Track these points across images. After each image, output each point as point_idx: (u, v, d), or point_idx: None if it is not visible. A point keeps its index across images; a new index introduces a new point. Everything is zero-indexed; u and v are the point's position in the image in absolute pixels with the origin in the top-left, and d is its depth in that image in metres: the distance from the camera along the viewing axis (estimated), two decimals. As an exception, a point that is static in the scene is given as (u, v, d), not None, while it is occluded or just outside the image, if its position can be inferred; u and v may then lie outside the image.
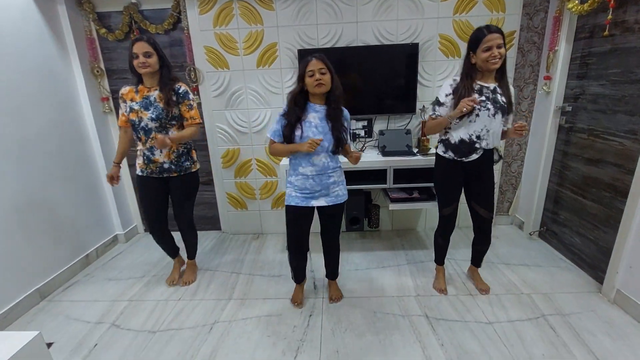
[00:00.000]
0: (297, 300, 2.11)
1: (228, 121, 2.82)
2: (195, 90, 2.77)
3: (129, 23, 2.63)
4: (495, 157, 1.95)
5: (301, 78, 1.72)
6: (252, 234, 3.15)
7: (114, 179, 2.12)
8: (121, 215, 3.02)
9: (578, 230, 2.37)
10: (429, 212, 3.05)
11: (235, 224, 3.14)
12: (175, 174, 2.10)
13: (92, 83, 2.75)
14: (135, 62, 1.92)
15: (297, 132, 1.73)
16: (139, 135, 2.02)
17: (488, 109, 1.78)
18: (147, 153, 2.04)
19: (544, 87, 2.56)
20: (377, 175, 2.47)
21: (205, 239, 3.06)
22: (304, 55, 2.52)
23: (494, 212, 2.08)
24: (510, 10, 2.53)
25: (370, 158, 2.50)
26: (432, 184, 2.51)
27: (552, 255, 2.56)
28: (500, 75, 1.80)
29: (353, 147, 2.74)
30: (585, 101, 2.26)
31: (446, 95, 1.83)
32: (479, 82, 1.79)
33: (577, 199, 2.36)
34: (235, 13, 2.57)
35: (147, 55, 1.90)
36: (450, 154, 1.92)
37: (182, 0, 2.56)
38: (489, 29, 1.69)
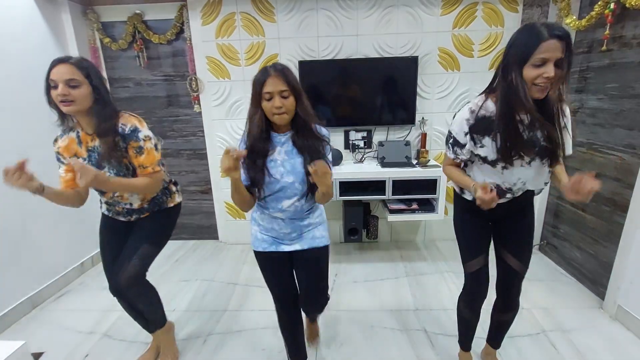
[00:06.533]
0: None
1: (228, 130, 2.82)
2: (196, 100, 2.79)
3: (133, 33, 2.67)
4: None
5: (256, 101, 1.21)
6: (249, 243, 3.12)
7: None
8: (118, 223, 2.99)
9: (578, 244, 2.35)
10: (427, 224, 3.03)
11: (233, 233, 3.11)
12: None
13: (94, 91, 2.77)
14: (53, 94, 1.29)
15: (265, 177, 1.27)
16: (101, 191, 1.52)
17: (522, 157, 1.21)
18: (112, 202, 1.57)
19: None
20: (376, 186, 2.46)
21: (202, 249, 3.03)
22: (305, 67, 2.59)
23: (528, 266, 1.44)
24: (509, 24, 2.56)
25: (370, 169, 2.51)
26: (430, 195, 2.50)
27: (553, 269, 2.53)
28: (541, 101, 1.12)
29: (352, 157, 2.73)
30: (584, 115, 2.27)
31: (465, 135, 1.24)
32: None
33: (577, 213, 2.35)
34: (237, 24, 2.61)
35: (71, 84, 1.28)
36: (468, 195, 1.38)
37: (185, 11, 2.60)
38: (551, 29, 1.02)
